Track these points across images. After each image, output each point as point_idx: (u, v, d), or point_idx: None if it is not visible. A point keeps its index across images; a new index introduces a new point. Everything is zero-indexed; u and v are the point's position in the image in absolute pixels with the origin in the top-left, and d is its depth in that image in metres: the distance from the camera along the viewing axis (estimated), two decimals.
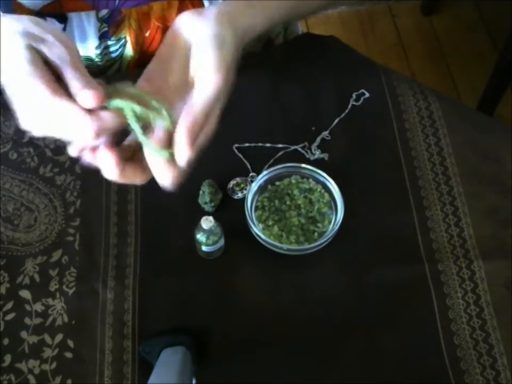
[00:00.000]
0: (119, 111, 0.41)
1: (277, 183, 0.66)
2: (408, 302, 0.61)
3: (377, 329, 0.60)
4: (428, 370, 0.58)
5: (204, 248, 0.62)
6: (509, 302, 0.60)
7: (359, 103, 0.73)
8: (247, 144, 0.70)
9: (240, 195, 0.66)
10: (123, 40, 0.76)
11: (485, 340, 0.59)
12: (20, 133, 0.72)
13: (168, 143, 0.43)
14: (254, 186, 0.65)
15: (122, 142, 0.46)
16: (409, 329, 0.60)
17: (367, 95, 0.73)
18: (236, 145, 0.70)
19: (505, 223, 0.65)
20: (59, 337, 0.60)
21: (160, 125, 0.42)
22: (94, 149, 0.43)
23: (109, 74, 0.80)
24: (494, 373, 0.57)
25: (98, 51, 0.76)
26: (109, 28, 0.73)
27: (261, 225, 0.64)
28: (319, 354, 0.59)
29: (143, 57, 0.78)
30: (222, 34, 0.45)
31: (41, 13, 0.71)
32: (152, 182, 0.68)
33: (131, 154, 0.46)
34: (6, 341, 0.60)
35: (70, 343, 0.60)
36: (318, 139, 0.70)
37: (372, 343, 0.59)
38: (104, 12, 0.71)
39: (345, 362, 0.59)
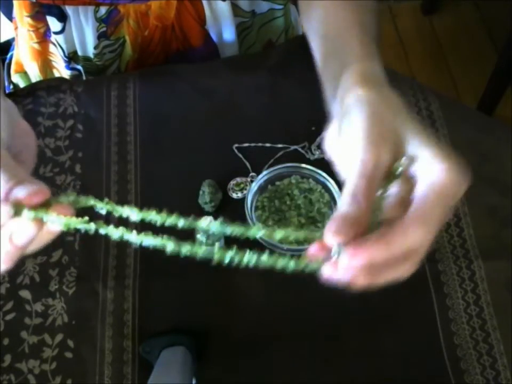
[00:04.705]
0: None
1: (277, 183, 0.66)
2: (408, 302, 0.61)
3: (377, 329, 0.60)
4: (428, 370, 0.58)
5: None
6: (509, 302, 0.60)
7: None
8: (247, 144, 0.70)
9: (240, 195, 0.66)
10: (122, 40, 0.76)
11: (485, 340, 0.59)
12: None
13: None
14: (254, 186, 0.65)
15: None
16: (409, 329, 0.60)
17: None
18: (236, 145, 0.70)
19: (505, 223, 0.65)
20: (59, 337, 0.60)
21: None
22: None
23: (108, 74, 0.80)
24: (494, 373, 0.57)
25: (96, 51, 0.76)
26: (107, 27, 0.73)
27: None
28: (319, 354, 0.59)
29: (143, 56, 0.78)
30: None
31: (41, 5, 0.72)
32: (152, 182, 0.69)
33: None
34: (6, 341, 0.60)
35: (70, 343, 0.60)
36: (318, 139, 0.70)
37: (372, 343, 0.59)
38: (102, 12, 0.71)
39: (345, 362, 0.59)
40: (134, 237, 0.37)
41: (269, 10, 0.79)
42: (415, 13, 1.78)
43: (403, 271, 0.34)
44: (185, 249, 0.37)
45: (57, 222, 0.36)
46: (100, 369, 0.59)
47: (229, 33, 0.77)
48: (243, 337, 0.60)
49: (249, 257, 0.36)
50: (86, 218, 0.37)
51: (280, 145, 0.70)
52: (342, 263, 0.33)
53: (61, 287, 0.63)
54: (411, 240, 0.33)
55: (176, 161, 0.70)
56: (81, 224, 0.36)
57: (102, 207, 0.37)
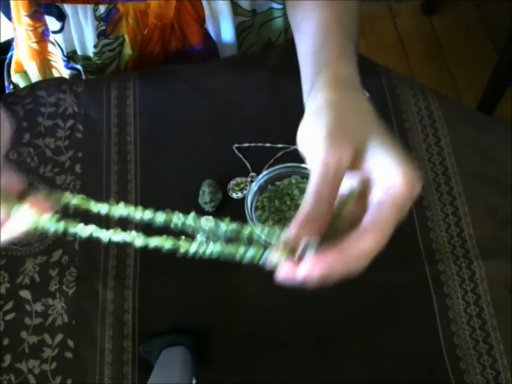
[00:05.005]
0: None
1: (277, 183, 0.66)
2: (408, 302, 0.61)
3: (377, 329, 0.60)
4: (428, 370, 0.58)
5: None
6: (509, 302, 0.60)
7: None
8: (247, 144, 0.70)
9: (240, 195, 0.66)
10: (121, 39, 0.76)
11: (485, 340, 0.59)
12: (20, 133, 0.72)
13: None
14: (254, 186, 0.65)
15: None
16: (409, 329, 0.60)
17: (367, 95, 0.73)
18: (236, 145, 0.70)
19: (505, 223, 0.65)
20: (59, 337, 0.60)
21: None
22: None
23: (107, 73, 0.80)
24: (494, 373, 0.57)
25: (96, 50, 0.76)
26: (106, 26, 0.73)
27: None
28: (318, 354, 0.59)
29: (142, 55, 0.78)
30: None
31: (39, 4, 0.72)
32: (152, 182, 0.69)
33: None
34: (6, 341, 0.60)
35: (70, 343, 0.60)
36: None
37: (372, 343, 0.59)
38: (101, 10, 0.71)
39: (345, 362, 0.59)
40: (104, 234, 0.37)
41: (269, 9, 0.79)
42: (415, 13, 1.78)
43: (354, 271, 0.36)
44: (154, 242, 0.37)
45: (27, 216, 0.35)
46: (100, 369, 0.59)
47: (228, 33, 0.77)
48: (243, 337, 0.60)
49: (210, 248, 0.37)
50: (55, 217, 0.37)
51: (280, 145, 0.70)
52: (302, 269, 0.35)
53: (61, 287, 0.63)
54: (365, 248, 0.35)
55: (176, 161, 0.70)
56: (50, 223, 0.36)
57: (74, 203, 0.37)
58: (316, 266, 0.34)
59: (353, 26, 0.52)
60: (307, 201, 0.36)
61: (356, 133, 0.38)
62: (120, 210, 0.38)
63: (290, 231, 0.35)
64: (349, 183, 0.39)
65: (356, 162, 0.37)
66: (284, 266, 0.35)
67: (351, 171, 0.38)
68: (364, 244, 0.35)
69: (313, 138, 0.39)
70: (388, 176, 0.36)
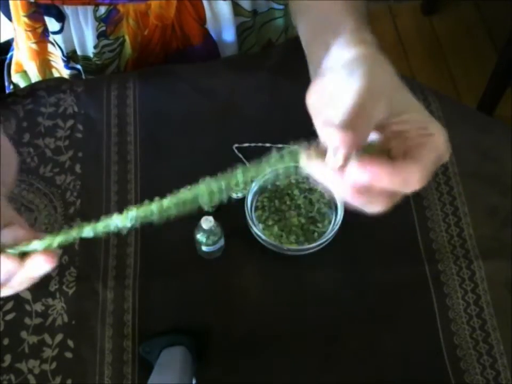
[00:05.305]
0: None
1: (277, 183, 0.66)
2: (408, 302, 0.61)
3: (377, 329, 0.60)
4: (428, 370, 0.58)
5: (203, 248, 0.61)
6: (509, 302, 0.60)
7: None
8: (247, 144, 0.70)
9: (240, 195, 0.66)
10: (121, 39, 0.76)
11: (485, 340, 0.59)
12: (20, 132, 0.72)
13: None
14: (254, 186, 0.65)
15: None
16: (409, 329, 0.60)
17: None
18: (236, 145, 0.70)
19: (505, 223, 0.65)
20: (59, 337, 0.60)
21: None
22: None
23: (107, 73, 0.80)
24: (494, 373, 0.57)
25: (96, 50, 0.76)
26: (106, 27, 0.73)
27: (261, 225, 0.64)
28: (319, 354, 0.59)
29: (142, 55, 0.78)
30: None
31: (39, 5, 0.72)
32: (152, 182, 0.69)
33: None
34: (6, 341, 0.60)
35: (70, 343, 0.60)
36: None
37: (372, 343, 0.59)
38: (102, 11, 0.71)
39: (345, 362, 0.59)
40: (92, 231, 0.37)
41: (270, 9, 0.79)
42: (415, 13, 1.78)
43: (384, 206, 0.35)
44: (170, 201, 0.37)
45: (38, 247, 0.36)
46: (100, 369, 0.59)
47: (229, 34, 0.77)
48: (243, 337, 0.60)
49: (237, 178, 0.37)
50: (56, 233, 0.37)
51: (280, 145, 0.70)
52: (350, 171, 0.34)
53: (61, 287, 0.62)
54: (412, 170, 0.34)
55: (176, 161, 0.70)
56: (59, 239, 0.37)
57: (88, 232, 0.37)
58: (364, 169, 0.33)
59: (363, 19, 0.51)
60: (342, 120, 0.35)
61: (390, 91, 0.36)
62: (116, 221, 0.38)
63: (334, 133, 0.35)
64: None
65: (383, 124, 0.36)
66: (332, 165, 0.35)
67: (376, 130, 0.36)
68: (410, 169, 0.33)
69: (341, 93, 0.36)
70: (426, 129, 0.35)
